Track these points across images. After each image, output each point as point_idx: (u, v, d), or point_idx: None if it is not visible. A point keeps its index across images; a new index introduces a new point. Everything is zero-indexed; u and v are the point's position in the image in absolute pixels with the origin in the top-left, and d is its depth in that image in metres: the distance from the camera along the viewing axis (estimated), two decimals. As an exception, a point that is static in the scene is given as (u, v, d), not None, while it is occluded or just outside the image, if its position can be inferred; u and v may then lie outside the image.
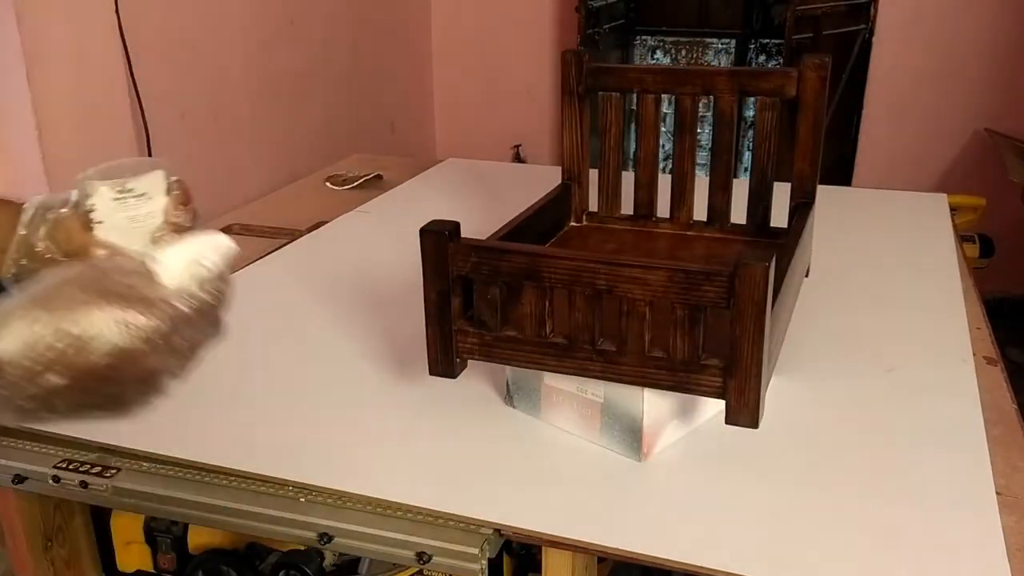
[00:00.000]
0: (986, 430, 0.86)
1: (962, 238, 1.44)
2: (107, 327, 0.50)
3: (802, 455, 0.83)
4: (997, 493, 0.77)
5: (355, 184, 1.70)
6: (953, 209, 1.53)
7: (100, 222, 0.67)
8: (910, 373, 0.97)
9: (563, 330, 0.80)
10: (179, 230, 0.68)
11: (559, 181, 1.16)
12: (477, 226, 0.91)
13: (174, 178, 0.69)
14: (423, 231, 0.81)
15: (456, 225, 0.81)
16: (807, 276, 1.15)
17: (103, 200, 0.67)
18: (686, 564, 0.70)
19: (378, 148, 2.71)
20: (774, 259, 0.71)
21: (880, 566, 0.69)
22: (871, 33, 2.76)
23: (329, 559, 0.86)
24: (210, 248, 0.57)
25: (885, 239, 1.37)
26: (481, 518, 0.76)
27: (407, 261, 0.83)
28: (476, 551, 0.75)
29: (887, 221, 1.45)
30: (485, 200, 1.53)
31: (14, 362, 0.48)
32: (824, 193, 1.11)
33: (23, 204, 0.67)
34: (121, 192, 0.67)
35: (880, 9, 2.74)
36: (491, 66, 3.19)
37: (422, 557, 0.77)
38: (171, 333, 0.52)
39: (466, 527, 0.76)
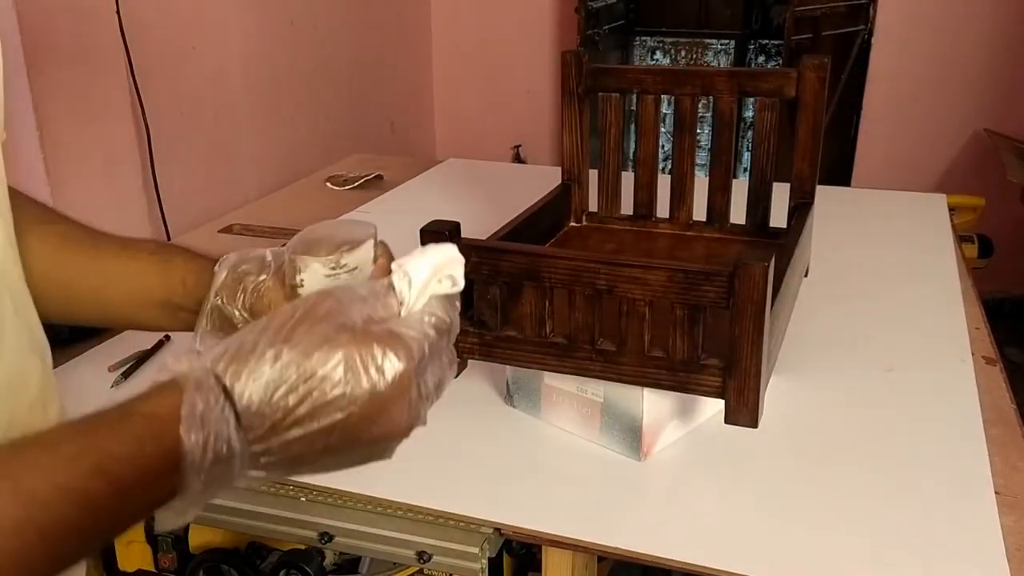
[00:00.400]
0: (985, 430, 0.86)
1: (961, 238, 1.44)
2: (354, 370, 0.42)
3: (802, 455, 0.83)
4: (996, 493, 0.77)
5: (355, 184, 1.70)
6: (952, 209, 1.53)
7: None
8: (909, 373, 0.97)
9: (563, 330, 0.80)
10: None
11: (559, 181, 1.16)
12: (477, 226, 0.91)
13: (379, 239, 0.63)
14: (423, 231, 0.81)
15: (456, 225, 0.82)
16: (806, 276, 1.15)
17: (314, 276, 0.61)
18: (686, 563, 0.70)
19: (378, 148, 2.72)
20: (773, 259, 0.72)
21: (879, 566, 0.69)
22: (870, 34, 2.76)
23: (329, 558, 0.86)
24: (448, 260, 0.49)
25: (884, 239, 1.37)
26: (481, 517, 0.76)
27: (407, 261, 0.83)
28: (476, 550, 0.75)
29: (886, 221, 1.45)
30: (485, 200, 1.53)
31: (259, 410, 0.41)
32: (823, 193, 1.12)
33: (213, 260, 0.61)
34: (334, 268, 0.62)
35: (879, 10, 2.75)
36: (491, 67, 3.19)
37: (422, 556, 0.77)
38: (420, 373, 0.44)
39: (466, 527, 0.76)
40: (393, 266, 0.48)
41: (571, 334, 0.79)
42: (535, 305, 0.80)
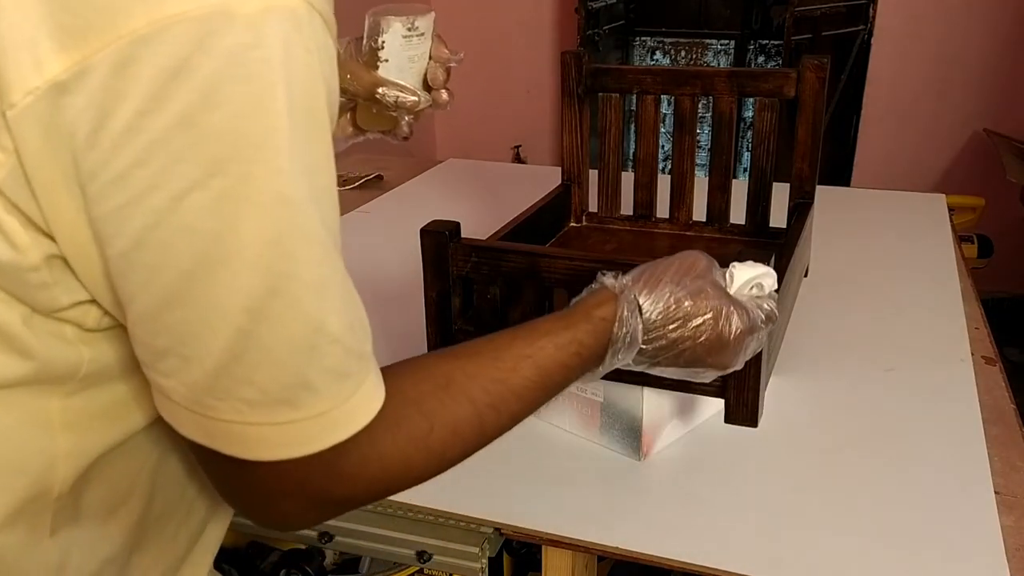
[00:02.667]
0: (985, 430, 0.86)
1: (961, 238, 1.44)
2: (716, 318, 0.61)
3: (801, 455, 0.83)
4: (996, 493, 0.77)
5: (355, 184, 1.70)
6: (952, 209, 1.54)
7: (386, 60, 0.69)
8: (909, 373, 0.97)
9: None
10: (447, 75, 0.73)
11: (559, 181, 1.16)
12: (477, 226, 0.91)
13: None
14: (423, 231, 0.81)
15: (456, 225, 0.82)
16: (806, 276, 1.16)
17: (395, 37, 0.68)
18: (686, 563, 0.70)
19: (378, 148, 2.72)
20: (772, 259, 0.72)
21: (879, 566, 0.69)
22: (870, 34, 2.76)
23: (330, 558, 0.86)
24: (767, 275, 0.66)
25: (884, 239, 1.37)
26: (481, 517, 0.76)
27: (407, 261, 0.83)
28: (476, 550, 0.75)
29: (886, 221, 1.46)
30: (485, 200, 1.53)
31: (653, 323, 0.60)
32: (823, 193, 1.12)
33: None
34: (410, 30, 0.69)
35: (879, 10, 2.75)
36: (491, 66, 3.19)
37: (422, 556, 0.77)
38: (751, 337, 0.64)
39: (466, 526, 0.76)
40: (734, 265, 0.66)
41: None
42: (535, 305, 0.80)
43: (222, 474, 0.48)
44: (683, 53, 3.02)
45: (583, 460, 0.83)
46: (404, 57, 0.70)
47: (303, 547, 0.84)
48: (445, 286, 0.82)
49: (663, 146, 1.20)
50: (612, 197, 1.16)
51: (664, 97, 1.11)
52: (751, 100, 1.08)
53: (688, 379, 0.65)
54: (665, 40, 3.02)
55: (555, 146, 3.11)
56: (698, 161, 1.20)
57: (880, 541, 0.72)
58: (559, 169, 1.18)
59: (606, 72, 1.13)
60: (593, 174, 1.17)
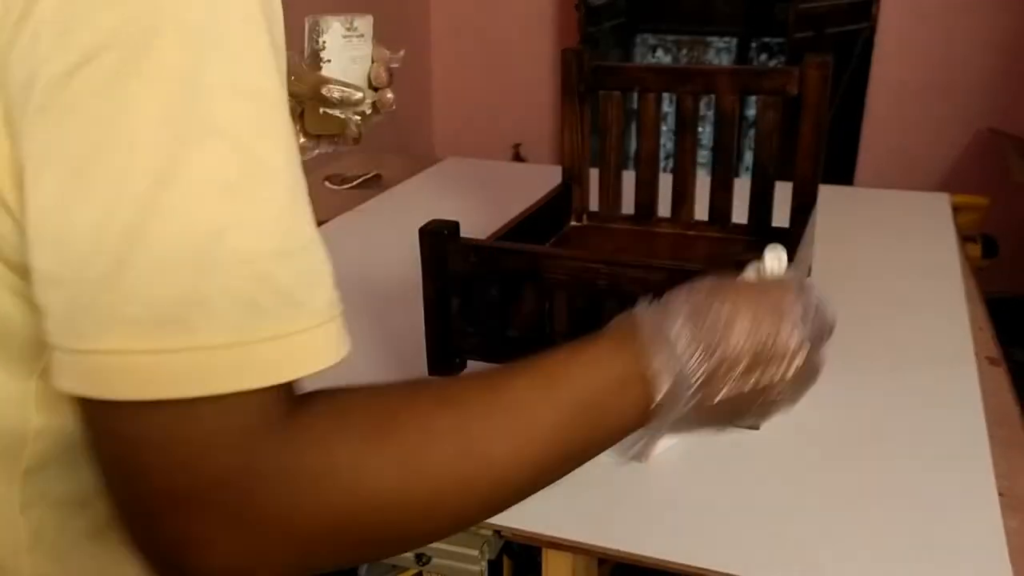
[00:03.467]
0: (989, 431, 0.85)
1: (965, 238, 1.43)
2: (750, 344, 0.50)
3: (802, 456, 0.83)
4: (999, 495, 0.76)
5: (354, 183, 1.69)
6: (956, 209, 1.53)
7: (328, 61, 0.70)
8: (912, 374, 0.96)
9: (563, 330, 0.79)
10: (390, 75, 0.73)
11: (559, 180, 1.16)
12: (477, 226, 0.90)
13: None
14: (423, 231, 0.81)
15: (455, 225, 0.81)
16: (808, 276, 1.15)
17: (334, 37, 0.70)
18: (687, 565, 0.70)
19: (377, 147, 2.71)
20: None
21: (881, 567, 0.69)
22: (873, 31, 2.75)
23: (328, 560, 0.86)
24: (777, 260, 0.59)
25: (887, 239, 1.36)
26: (480, 519, 0.75)
27: (407, 261, 0.83)
28: (476, 552, 0.75)
29: (889, 221, 1.45)
30: (485, 200, 1.52)
31: (700, 368, 0.48)
32: (825, 192, 1.11)
33: None
34: (349, 29, 0.71)
35: (882, 7, 2.74)
36: (491, 65, 3.19)
37: (422, 558, 0.77)
38: (812, 349, 0.53)
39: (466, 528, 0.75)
40: (767, 255, 0.59)
41: (571, 334, 0.79)
42: (535, 305, 0.79)
43: (108, 456, 0.38)
44: (685, 51, 3.01)
45: (583, 461, 0.83)
46: (346, 57, 0.72)
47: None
48: (444, 286, 0.82)
49: (664, 145, 1.19)
50: (613, 196, 1.16)
51: (665, 95, 1.10)
52: (753, 98, 1.07)
53: (754, 416, 0.56)
54: (667, 38, 3.01)
55: (555, 145, 3.10)
56: (700, 160, 1.19)
57: (882, 543, 0.71)
58: (559, 168, 1.17)
59: (607, 70, 1.12)
60: (594, 173, 1.16)
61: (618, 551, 0.72)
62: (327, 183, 1.72)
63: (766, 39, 2.97)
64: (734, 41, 2.97)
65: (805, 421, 0.88)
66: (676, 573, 0.71)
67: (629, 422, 0.50)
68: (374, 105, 0.75)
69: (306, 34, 0.71)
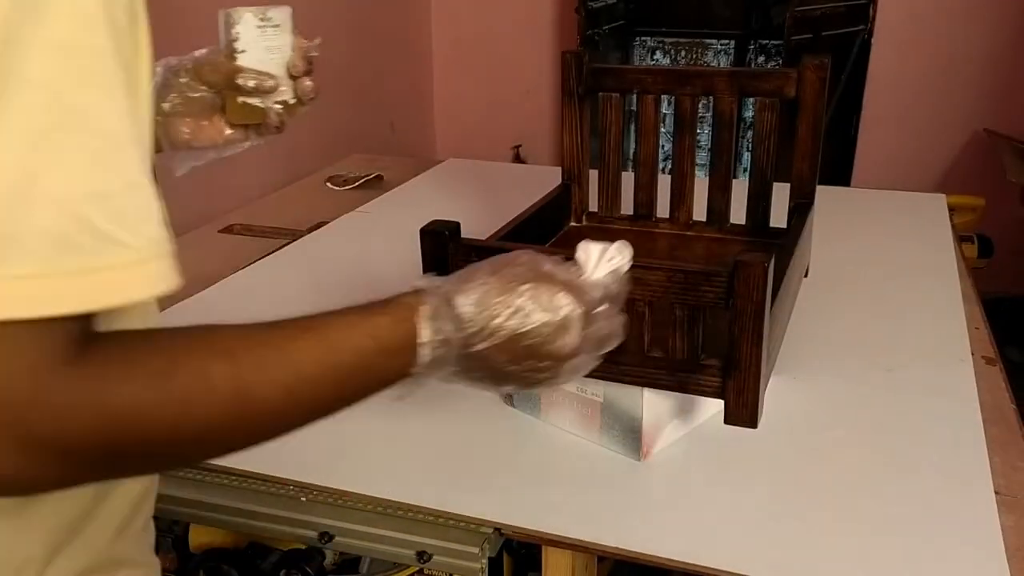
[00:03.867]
0: (985, 430, 0.86)
1: (961, 238, 1.44)
2: (541, 303, 0.55)
3: (801, 455, 0.83)
4: (996, 493, 0.77)
5: (355, 184, 1.70)
6: (952, 209, 1.53)
7: (243, 51, 0.73)
8: (909, 373, 0.97)
9: None
10: (308, 64, 0.76)
11: (559, 181, 1.16)
12: (477, 226, 0.91)
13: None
14: (423, 231, 0.81)
15: (456, 225, 0.82)
16: (806, 276, 1.15)
17: (248, 28, 0.72)
18: (686, 564, 0.70)
19: (378, 148, 2.71)
20: (773, 259, 0.72)
21: (879, 566, 0.69)
22: (870, 34, 2.76)
23: (330, 558, 0.86)
24: (619, 251, 0.61)
25: (884, 239, 1.37)
26: (481, 517, 0.76)
27: (407, 261, 0.83)
28: (476, 550, 0.75)
29: (886, 221, 1.45)
30: (485, 200, 1.53)
31: (469, 318, 0.53)
32: (823, 193, 1.12)
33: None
34: (263, 20, 0.73)
35: (879, 10, 2.74)
36: (491, 66, 3.19)
37: (422, 556, 0.77)
38: (588, 321, 0.57)
39: (466, 526, 0.76)
40: (579, 245, 0.61)
41: None
42: None
43: None
44: (683, 53, 3.01)
45: (583, 460, 0.83)
46: (261, 48, 0.74)
47: (303, 547, 0.84)
48: (445, 286, 0.82)
49: (663, 146, 1.20)
50: (612, 197, 1.16)
51: (664, 97, 1.11)
52: (751, 100, 1.08)
53: (534, 383, 0.57)
54: (665, 40, 3.02)
55: (555, 146, 3.10)
56: (698, 161, 1.20)
57: (880, 541, 0.72)
58: (559, 169, 1.17)
59: (606, 72, 1.13)
60: (593, 174, 1.17)
61: (617, 549, 0.72)
62: (329, 184, 1.72)
63: (764, 41, 2.97)
64: (732, 43, 2.97)
65: (804, 421, 0.89)
66: (675, 571, 0.72)
67: (394, 381, 0.54)
68: (297, 94, 0.78)
69: (221, 26, 0.73)
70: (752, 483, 0.80)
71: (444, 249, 0.81)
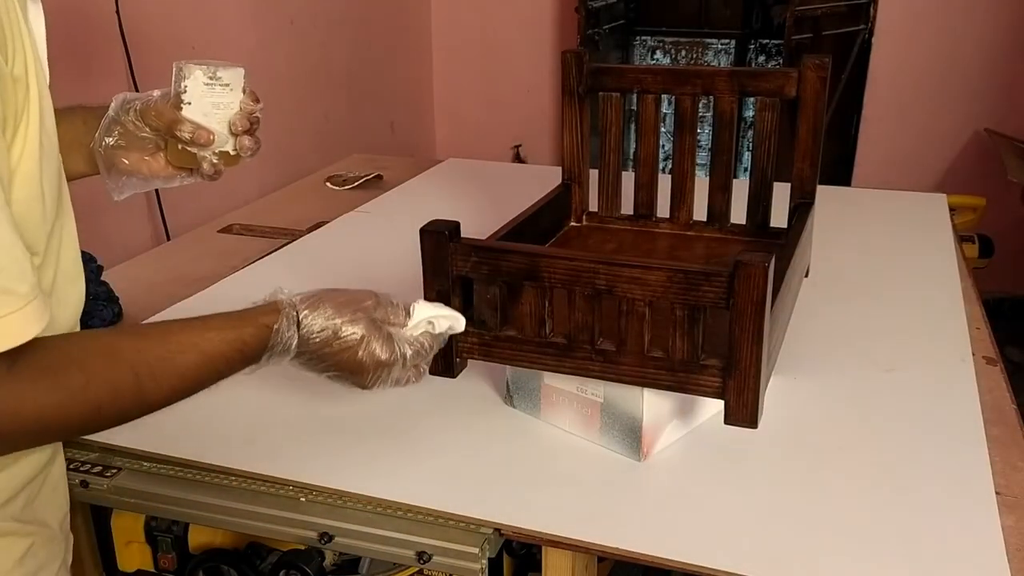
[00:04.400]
0: (985, 430, 0.86)
1: (961, 238, 1.44)
2: (361, 344, 0.70)
3: (802, 455, 0.83)
4: (997, 493, 0.77)
5: (355, 184, 1.70)
6: (953, 209, 1.53)
7: (189, 103, 0.79)
8: (909, 373, 0.97)
9: (563, 330, 0.80)
10: (251, 121, 0.82)
11: (559, 181, 1.16)
12: (477, 226, 0.91)
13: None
14: (423, 231, 0.81)
15: (456, 225, 0.81)
16: (807, 276, 1.15)
17: (195, 83, 0.78)
18: (686, 564, 0.70)
19: (378, 148, 2.71)
20: (773, 259, 0.71)
21: (879, 566, 0.69)
22: (871, 33, 2.76)
23: (329, 559, 0.86)
24: (447, 317, 0.76)
25: (885, 239, 1.37)
26: (481, 518, 0.76)
27: (407, 261, 0.83)
28: (476, 551, 0.75)
29: (887, 221, 1.45)
30: (485, 200, 1.53)
31: (310, 336, 0.69)
32: (824, 193, 1.12)
33: (106, 104, 0.80)
34: (211, 79, 0.79)
35: (880, 9, 2.74)
36: (491, 66, 3.19)
37: (422, 557, 0.77)
38: (388, 369, 0.72)
39: (466, 527, 0.76)
40: (416, 301, 0.77)
41: (571, 334, 0.79)
42: (535, 305, 0.80)
43: None
44: (683, 52, 3.02)
45: (583, 460, 0.83)
46: (208, 103, 0.80)
47: (302, 547, 0.84)
48: (445, 286, 0.82)
49: (663, 146, 1.19)
50: (612, 197, 1.16)
51: (664, 97, 1.11)
52: (750, 100, 1.08)
53: (334, 381, 0.73)
54: (665, 40, 3.02)
55: (555, 146, 3.10)
56: (698, 161, 1.20)
57: (880, 541, 0.72)
58: (559, 169, 1.17)
59: (607, 71, 1.12)
60: (594, 174, 1.17)
61: (617, 549, 0.72)
62: (328, 184, 1.72)
63: (764, 41, 2.97)
64: (732, 43, 2.98)
65: (804, 421, 0.89)
66: (675, 571, 0.72)
67: (240, 371, 0.67)
68: (236, 148, 0.84)
69: (173, 77, 0.79)
70: (752, 483, 0.79)
71: (444, 248, 0.81)
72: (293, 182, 1.80)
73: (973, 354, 1.00)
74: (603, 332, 0.79)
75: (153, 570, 0.91)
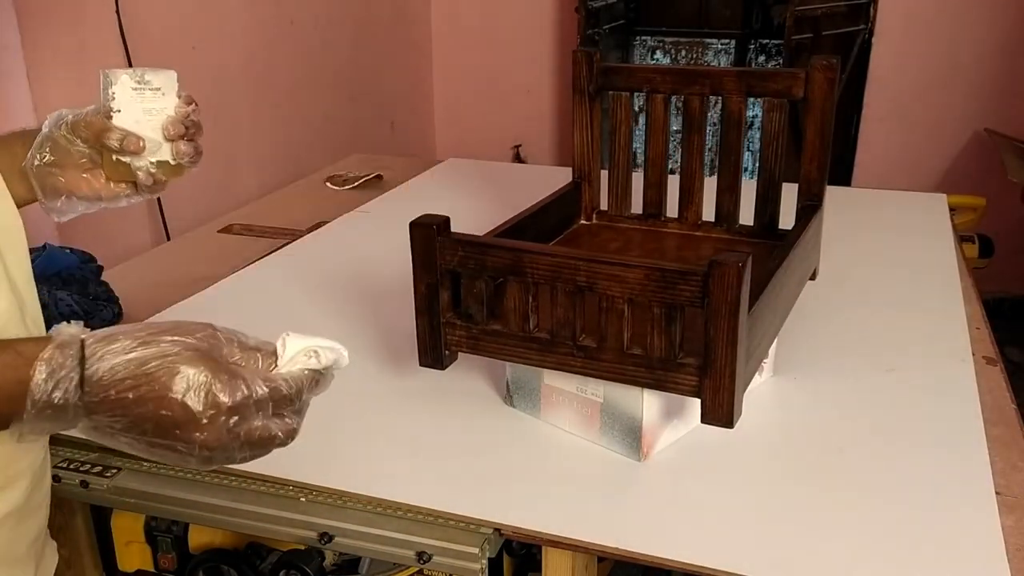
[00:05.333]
0: (986, 430, 0.86)
1: (961, 238, 1.44)
2: (188, 385, 0.50)
3: (802, 455, 0.83)
4: (997, 493, 0.77)
5: (355, 184, 1.70)
6: (953, 209, 1.53)
7: (118, 111, 0.75)
8: (910, 373, 0.97)
9: (546, 324, 0.80)
10: (186, 124, 0.77)
11: (560, 181, 1.16)
12: (477, 226, 0.91)
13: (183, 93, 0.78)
14: (413, 224, 0.82)
15: (446, 219, 0.82)
16: (814, 279, 1.14)
17: (123, 89, 0.74)
18: (686, 564, 0.70)
19: (378, 148, 2.72)
20: (749, 259, 0.71)
21: (879, 565, 0.69)
22: (871, 33, 2.76)
23: (329, 559, 0.86)
24: (328, 350, 0.57)
25: (885, 239, 1.37)
26: (481, 518, 0.76)
27: (407, 261, 0.83)
28: (476, 551, 0.75)
29: (887, 221, 1.45)
30: (485, 200, 1.53)
31: (99, 382, 0.50)
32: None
33: (39, 127, 0.75)
34: (139, 83, 0.75)
35: (880, 9, 2.74)
36: (491, 66, 3.19)
37: (422, 557, 0.77)
38: (239, 416, 0.51)
39: (466, 527, 0.76)
40: (287, 334, 0.56)
41: (553, 329, 0.79)
42: (519, 300, 0.80)
43: None
44: (683, 52, 3.01)
45: (583, 460, 0.83)
46: (138, 109, 0.76)
47: (302, 548, 0.84)
48: (434, 279, 0.82)
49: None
50: (622, 196, 1.16)
51: (671, 97, 1.11)
52: (753, 100, 1.08)
53: (151, 453, 0.52)
54: (665, 40, 3.02)
55: (555, 146, 3.10)
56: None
57: (880, 541, 0.72)
58: (562, 168, 1.17)
59: (616, 71, 1.12)
60: (603, 173, 1.17)
61: (617, 549, 0.72)
62: (329, 184, 1.72)
63: (764, 41, 2.97)
64: (732, 43, 2.98)
65: (804, 421, 0.89)
66: (675, 571, 0.72)
67: (5, 423, 0.52)
68: (175, 155, 0.78)
69: (100, 86, 0.75)
70: (752, 483, 0.79)
71: (433, 243, 0.81)
72: (293, 182, 1.80)
73: (973, 354, 1.00)
74: (585, 328, 0.79)
75: (153, 570, 0.91)
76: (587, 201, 1.17)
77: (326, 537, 0.80)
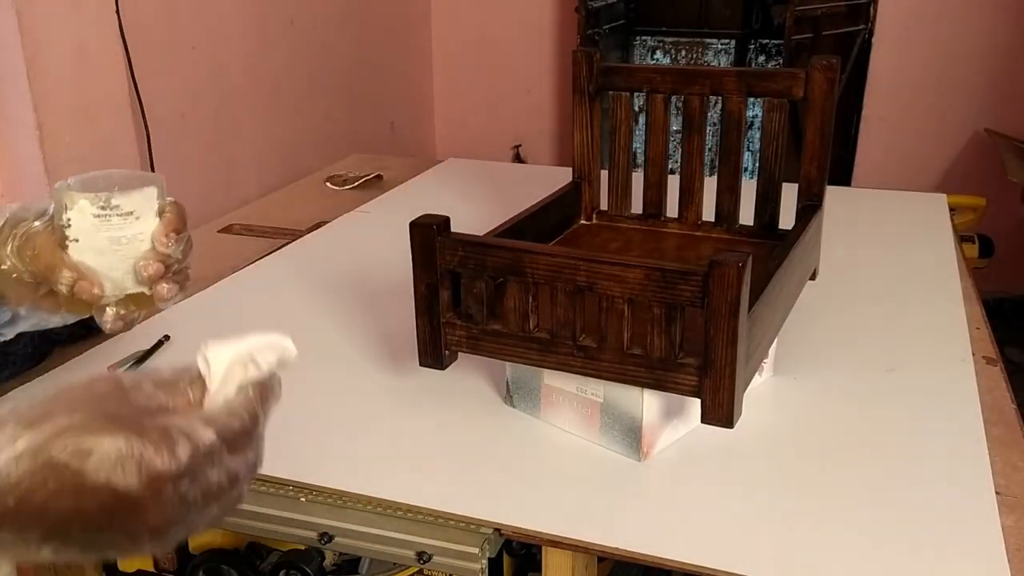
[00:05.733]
0: (986, 430, 0.86)
1: (961, 238, 1.44)
2: (108, 462, 0.37)
3: (802, 455, 0.83)
4: (997, 493, 0.77)
5: (355, 184, 1.70)
6: (953, 209, 1.53)
7: (75, 240, 0.59)
8: (910, 373, 0.97)
9: (546, 325, 0.80)
10: (166, 261, 0.60)
11: (560, 181, 1.16)
12: (478, 226, 0.91)
13: (169, 199, 0.61)
14: (412, 224, 0.82)
15: (446, 219, 0.82)
16: (814, 279, 1.14)
17: (82, 215, 0.58)
18: (686, 564, 0.70)
19: (378, 148, 2.71)
20: (749, 259, 0.71)
21: (880, 566, 0.69)
22: (871, 33, 2.76)
23: (329, 559, 0.86)
24: (266, 349, 0.45)
25: (885, 239, 1.37)
26: (481, 518, 0.76)
27: (407, 261, 0.83)
28: (476, 551, 0.75)
29: (887, 221, 1.45)
30: (485, 200, 1.53)
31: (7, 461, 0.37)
32: (823, 193, 1.11)
33: None
34: (104, 208, 0.58)
35: (880, 9, 2.74)
36: (491, 66, 3.19)
37: (422, 557, 0.77)
38: (189, 478, 0.39)
39: (466, 527, 0.76)
40: (201, 349, 0.44)
41: (553, 330, 0.79)
42: (519, 300, 0.80)
43: None
44: (683, 52, 3.01)
45: (583, 460, 0.83)
46: (102, 239, 0.59)
47: (302, 548, 0.84)
48: (434, 279, 0.82)
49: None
50: (622, 196, 1.16)
51: (671, 97, 1.11)
52: (753, 100, 1.07)
53: (124, 555, 0.43)
54: (665, 40, 3.02)
55: (555, 146, 3.10)
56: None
57: (880, 541, 0.72)
58: (562, 168, 1.17)
59: (617, 71, 1.12)
60: (603, 173, 1.17)
61: (617, 549, 0.72)
62: (328, 183, 1.72)
63: (764, 41, 2.97)
64: (732, 43, 2.97)
65: (804, 421, 0.89)
66: (675, 571, 0.72)
67: None
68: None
69: (53, 205, 0.59)
70: (752, 483, 0.79)
71: (432, 242, 0.81)
72: (293, 182, 1.80)
73: (973, 354, 1.00)
74: (585, 328, 0.79)
75: (153, 570, 0.91)
76: (587, 201, 1.17)
77: (326, 537, 0.80)
